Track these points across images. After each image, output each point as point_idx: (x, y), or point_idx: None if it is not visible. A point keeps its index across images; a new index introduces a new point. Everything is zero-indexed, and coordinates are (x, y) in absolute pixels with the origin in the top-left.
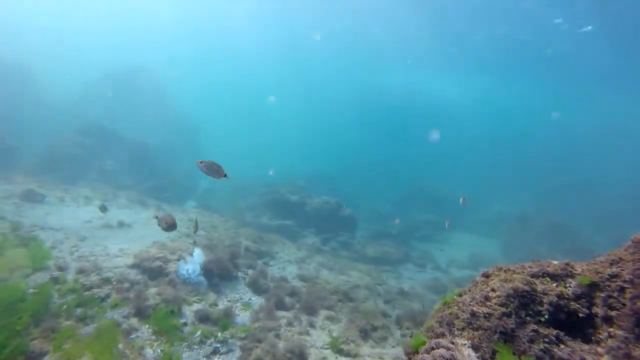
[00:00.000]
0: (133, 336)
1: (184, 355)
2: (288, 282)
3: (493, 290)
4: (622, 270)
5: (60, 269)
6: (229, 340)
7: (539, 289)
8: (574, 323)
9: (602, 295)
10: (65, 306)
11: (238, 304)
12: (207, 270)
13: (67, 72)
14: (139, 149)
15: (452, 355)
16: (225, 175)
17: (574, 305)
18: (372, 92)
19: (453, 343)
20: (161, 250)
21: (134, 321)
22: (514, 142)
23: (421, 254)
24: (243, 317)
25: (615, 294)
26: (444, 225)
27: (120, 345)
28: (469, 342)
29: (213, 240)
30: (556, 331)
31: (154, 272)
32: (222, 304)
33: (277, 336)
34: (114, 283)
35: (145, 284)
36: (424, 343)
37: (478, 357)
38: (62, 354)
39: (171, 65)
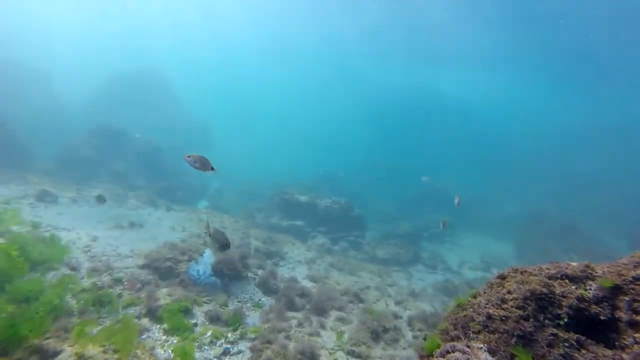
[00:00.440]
0: (144, 336)
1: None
2: (298, 283)
3: (509, 292)
4: None
5: (73, 268)
6: (239, 341)
7: (557, 292)
8: (595, 327)
9: (627, 298)
10: (78, 305)
11: (248, 304)
12: (217, 271)
13: (79, 74)
14: (150, 150)
15: (468, 359)
16: (212, 169)
17: (595, 308)
18: (380, 92)
19: (469, 347)
20: (171, 251)
21: (144, 321)
22: (524, 141)
23: (431, 254)
24: (253, 317)
25: None
26: (456, 226)
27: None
28: (485, 345)
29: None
30: (577, 335)
31: (164, 272)
32: (232, 305)
33: (288, 337)
34: (125, 283)
35: (156, 284)
36: (438, 346)
37: None
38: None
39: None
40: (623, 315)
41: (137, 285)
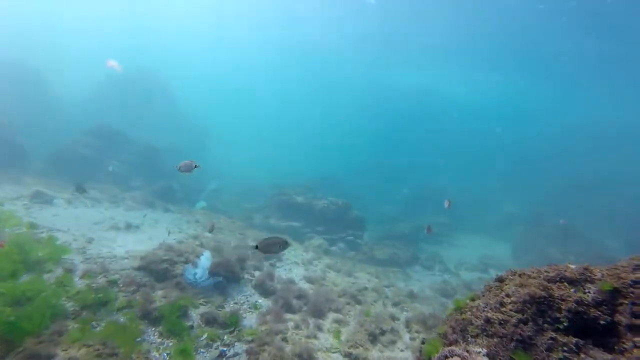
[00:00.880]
0: (139, 339)
1: None
2: (295, 284)
3: (508, 295)
4: None
5: (69, 270)
6: (236, 344)
7: (556, 295)
8: (594, 331)
9: (626, 302)
10: (73, 308)
11: (245, 306)
12: (214, 273)
13: (76, 74)
14: (147, 150)
15: None
16: (196, 167)
17: (594, 312)
18: (380, 93)
19: (467, 351)
20: (167, 253)
21: (140, 324)
22: (522, 142)
23: (429, 255)
24: (250, 319)
25: None
26: (454, 227)
27: (124, 349)
28: (484, 350)
29: (220, 241)
30: (576, 339)
31: (160, 274)
32: (229, 307)
33: (285, 339)
34: (121, 285)
35: (152, 286)
36: (437, 350)
37: None
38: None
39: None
40: (622, 318)
41: (133, 287)
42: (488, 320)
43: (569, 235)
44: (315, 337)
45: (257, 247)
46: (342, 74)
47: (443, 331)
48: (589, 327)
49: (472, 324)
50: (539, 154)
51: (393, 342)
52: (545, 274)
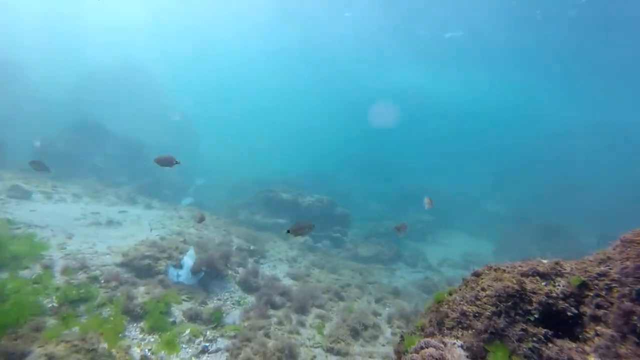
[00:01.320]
0: (120, 335)
1: (171, 355)
2: (279, 281)
3: (483, 289)
4: (610, 269)
5: (47, 267)
6: (218, 339)
7: (528, 288)
8: (562, 322)
9: (591, 294)
10: (51, 305)
11: (228, 302)
12: (197, 271)
13: (58, 69)
14: (132, 146)
15: (441, 354)
16: (177, 162)
17: (562, 304)
18: (370, 91)
19: (443, 342)
20: (150, 249)
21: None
22: (507, 142)
23: (413, 253)
24: (233, 315)
25: (604, 293)
26: (439, 225)
27: (106, 345)
28: (459, 341)
29: (203, 238)
30: (545, 330)
31: (143, 270)
32: (212, 303)
33: (267, 335)
34: (102, 282)
35: (134, 283)
36: (415, 343)
37: (468, 357)
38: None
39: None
40: (587, 309)
41: (114, 284)
42: (464, 313)
43: (552, 234)
44: (297, 332)
45: (288, 231)
46: (336, 71)
47: (421, 324)
48: (558, 318)
49: (448, 316)
50: (528, 155)
51: (375, 337)
52: (519, 268)
